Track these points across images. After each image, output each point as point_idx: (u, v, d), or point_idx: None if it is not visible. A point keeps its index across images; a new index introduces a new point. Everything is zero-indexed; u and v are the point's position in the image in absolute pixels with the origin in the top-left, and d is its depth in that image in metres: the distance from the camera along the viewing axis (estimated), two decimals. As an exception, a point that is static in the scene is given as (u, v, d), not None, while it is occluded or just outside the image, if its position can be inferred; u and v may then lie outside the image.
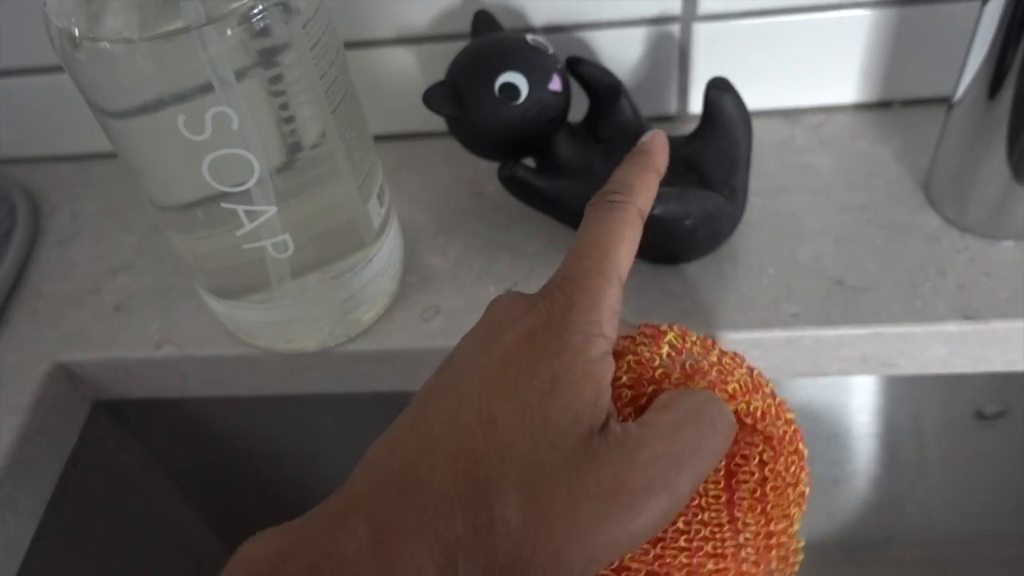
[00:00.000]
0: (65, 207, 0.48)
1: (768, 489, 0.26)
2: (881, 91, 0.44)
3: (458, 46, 0.38)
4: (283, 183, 0.32)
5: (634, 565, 0.25)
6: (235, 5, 0.28)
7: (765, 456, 0.26)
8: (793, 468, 0.26)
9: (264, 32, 0.29)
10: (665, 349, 0.26)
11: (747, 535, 0.26)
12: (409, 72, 0.44)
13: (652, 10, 0.41)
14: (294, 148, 0.32)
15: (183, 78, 0.28)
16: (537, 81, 0.36)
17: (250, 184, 0.31)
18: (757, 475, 0.26)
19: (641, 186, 0.28)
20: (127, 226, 0.46)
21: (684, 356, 0.26)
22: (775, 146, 0.43)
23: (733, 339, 0.36)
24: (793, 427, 0.26)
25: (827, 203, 0.40)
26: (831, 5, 0.41)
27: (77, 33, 0.28)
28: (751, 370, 0.27)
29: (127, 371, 0.41)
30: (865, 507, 0.50)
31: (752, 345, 0.36)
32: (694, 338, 0.27)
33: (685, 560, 0.25)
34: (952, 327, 0.35)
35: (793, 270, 0.38)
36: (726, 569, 0.25)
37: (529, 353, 0.24)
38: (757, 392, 0.26)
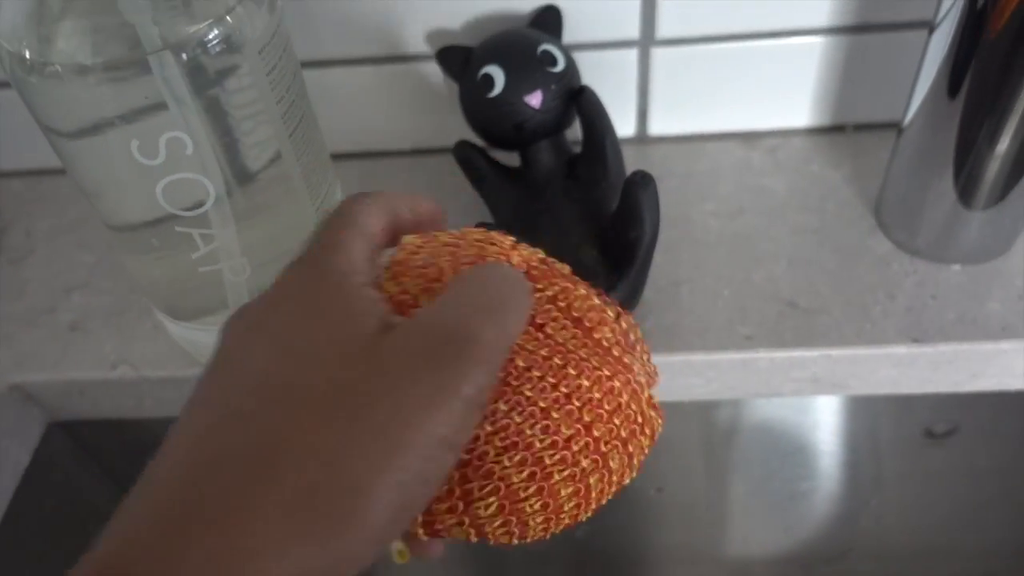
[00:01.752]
0: (19, 224, 0.47)
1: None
2: (834, 115, 0.45)
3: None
4: (239, 206, 0.32)
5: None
6: (191, 30, 0.28)
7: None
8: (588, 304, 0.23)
9: (219, 57, 0.28)
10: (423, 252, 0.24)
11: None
12: (370, 91, 0.44)
13: (610, 34, 0.42)
14: (250, 171, 0.32)
15: (136, 101, 0.28)
16: (515, 86, 0.37)
17: (205, 208, 0.31)
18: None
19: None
20: (83, 244, 0.45)
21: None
22: (732, 168, 0.44)
23: (690, 360, 0.37)
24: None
25: (781, 225, 0.41)
26: (786, 32, 0.41)
27: (28, 56, 0.28)
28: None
29: (81, 392, 0.40)
30: (822, 522, 0.51)
31: (707, 367, 0.37)
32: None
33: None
34: (900, 350, 0.36)
35: (748, 292, 0.38)
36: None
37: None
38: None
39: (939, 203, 0.38)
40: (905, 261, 0.39)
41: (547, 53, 0.37)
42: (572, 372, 0.22)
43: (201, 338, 0.37)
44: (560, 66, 0.37)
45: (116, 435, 0.45)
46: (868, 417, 0.44)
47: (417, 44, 0.42)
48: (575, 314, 0.23)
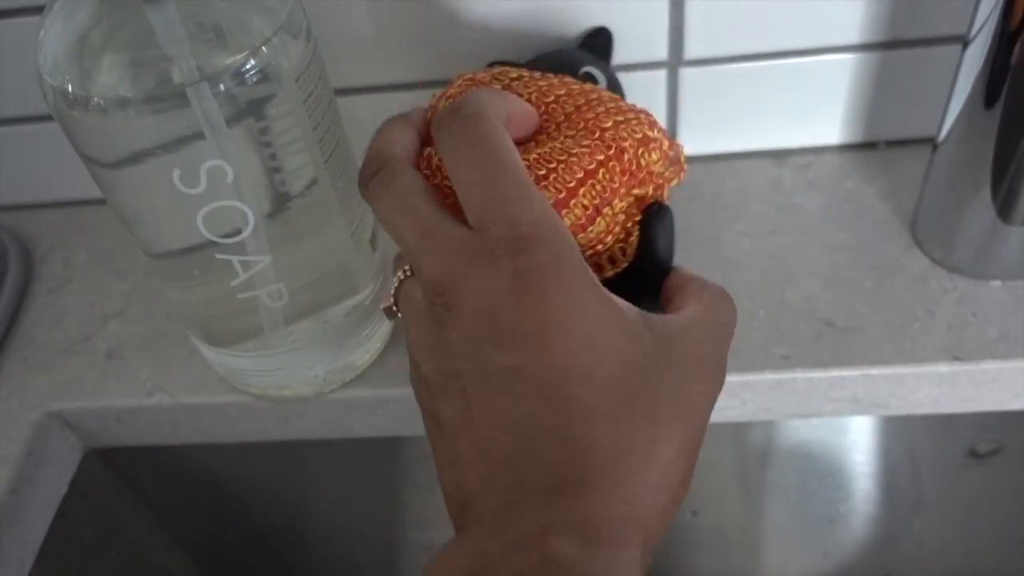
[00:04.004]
0: (57, 254, 0.48)
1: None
2: (866, 132, 0.45)
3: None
4: (276, 232, 0.32)
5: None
6: (228, 61, 0.28)
7: None
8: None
9: (256, 87, 0.29)
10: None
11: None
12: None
13: (639, 56, 0.42)
14: (287, 197, 0.32)
15: (176, 131, 0.29)
16: None
17: (244, 235, 0.31)
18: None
19: (491, 104, 0.26)
20: (119, 272, 0.46)
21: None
22: (764, 187, 0.44)
23: (725, 382, 0.36)
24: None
25: (815, 244, 0.41)
26: (815, 50, 0.41)
27: (71, 90, 0.28)
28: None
29: (118, 419, 0.41)
30: (861, 546, 0.50)
31: (743, 387, 0.36)
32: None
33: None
34: (942, 368, 0.35)
35: (783, 312, 0.38)
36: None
37: (541, 310, 0.22)
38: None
39: (977, 218, 0.37)
40: (943, 278, 0.38)
41: (589, 75, 0.37)
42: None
43: (237, 364, 0.37)
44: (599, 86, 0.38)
45: (153, 462, 0.46)
46: (907, 437, 0.44)
47: (454, 69, 0.43)
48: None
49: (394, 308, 0.27)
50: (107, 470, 0.45)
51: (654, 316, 0.24)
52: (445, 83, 0.43)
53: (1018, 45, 0.32)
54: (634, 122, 0.28)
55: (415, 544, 0.55)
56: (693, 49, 0.41)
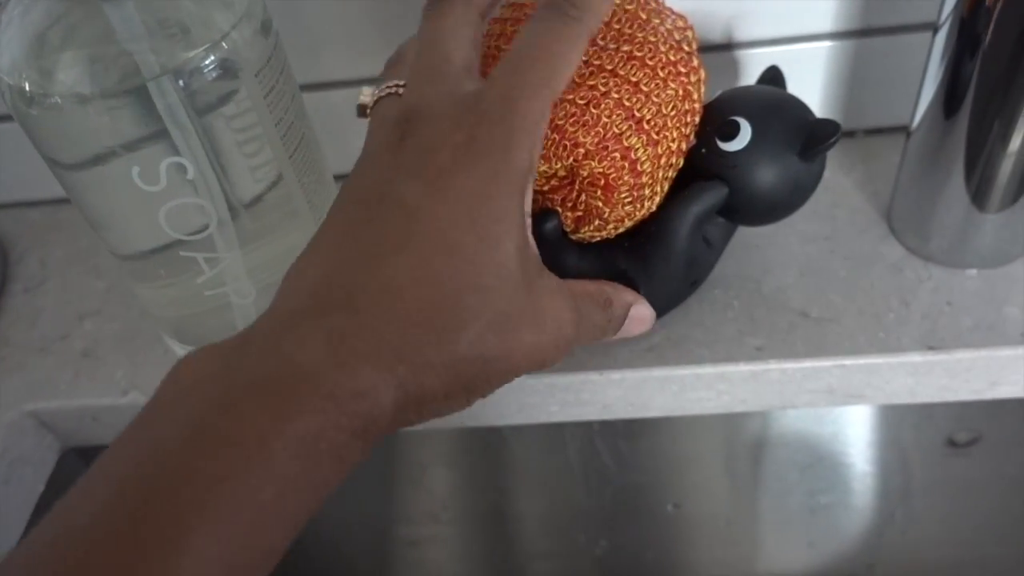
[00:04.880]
0: (34, 253, 0.47)
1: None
2: (843, 121, 0.44)
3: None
4: (242, 229, 0.32)
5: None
6: (189, 55, 0.28)
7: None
8: None
9: (216, 82, 0.29)
10: None
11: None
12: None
13: (613, 47, 0.41)
14: (251, 193, 0.32)
15: (135, 130, 0.29)
16: None
17: (208, 231, 0.31)
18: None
19: (599, 6, 0.27)
20: (95, 271, 0.45)
21: None
22: (741, 178, 0.44)
23: (699, 373, 0.36)
24: None
25: (791, 234, 0.40)
26: (790, 39, 0.41)
27: (28, 89, 0.28)
28: None
29: (93, 418, 0.40)
30: (845, 537, 0.50)
31: (717, 379, 0.36)
32: None
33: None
34: (916, 358, 0.35)
35: (757, 302, 0.38)
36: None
37: (474, 181, 0.24)
38: None
39: (952, 207, 0.37)
40: (919, 267, 0.38)
41: None
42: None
43: (210, 362, 0.37)
44: None
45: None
46: (888, 427, 0.43)
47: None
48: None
49: (368, 111, 0.29)
50: (85, 468, 0.45)
51: (542, 269, 0.26)
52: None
53: (987, 29, 0.31)
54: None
55: (402, 540, 0.55)
56: (667, 39, 0.41)
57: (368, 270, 0.23)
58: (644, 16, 0.31)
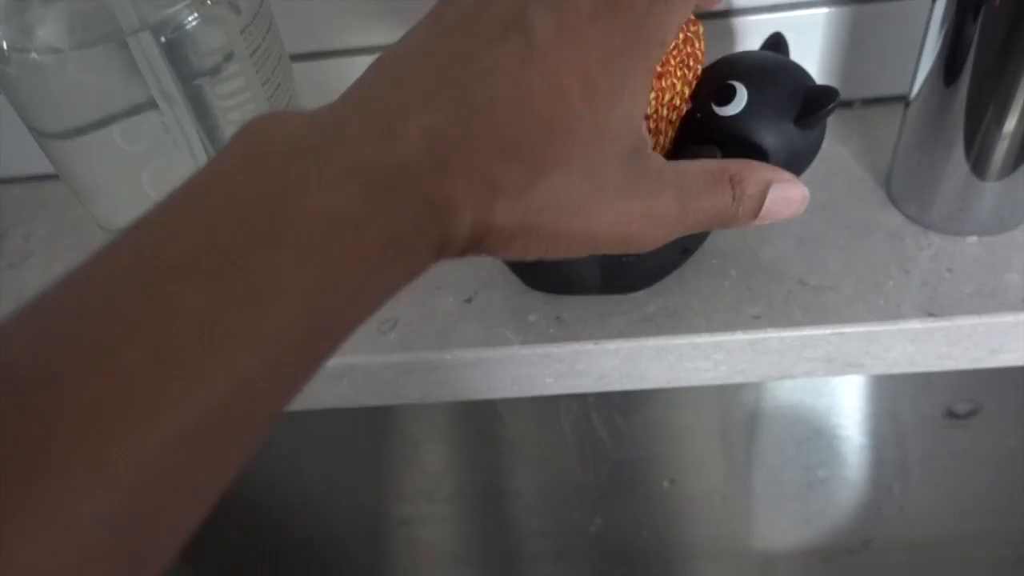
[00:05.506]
0: (18, 229, 0.47)
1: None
2: (841, 90, 0.44)
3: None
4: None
5: None
6: (170, 10, 0.27)
7: None
8: None
9: (201, 37, 0.28)
10: None
11: None
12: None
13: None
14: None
15: (118, 90, 0.28)
16: None
17: (193, 196, 0.30)
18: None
19: None
20: (80, 246, 0.45)
21: None
22: (737, 148, 0.43)
23: (696, 342, 0.36)
24: None
25: (789, 203, 0.40)
26: (787, 5, 0.40)
27: (5, 46, 0.27)
28: None
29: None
30: (842, 511, 0.49)
31: (715, 348, 0.36)
32: None
33: None
34: (916, 324, 0.35)
35: (755, 271, 0.37)
36: None
37: (611, 35, 0.23)
38: None
39: (952, 175, 0.36)
40: (919, 235, 0.38)
41: None
42: None
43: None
44: None
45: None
46: (886, 399, 0.43)
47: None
48: None
49: None
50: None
51: (650, 151, 0.25)
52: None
53: (988, -8, 0.31)
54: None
55: (394, 519, 0.54)
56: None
57: (479, 84, 0.21)
58: None
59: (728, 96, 0.32)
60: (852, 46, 0.42)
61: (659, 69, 0.31)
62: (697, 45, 0.32)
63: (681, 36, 0.31)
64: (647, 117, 0.31)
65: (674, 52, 0.31)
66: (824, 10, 0.41)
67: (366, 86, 0.23)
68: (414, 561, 0.56)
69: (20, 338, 0.17)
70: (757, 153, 0.32)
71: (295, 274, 0.18)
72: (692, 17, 0.32)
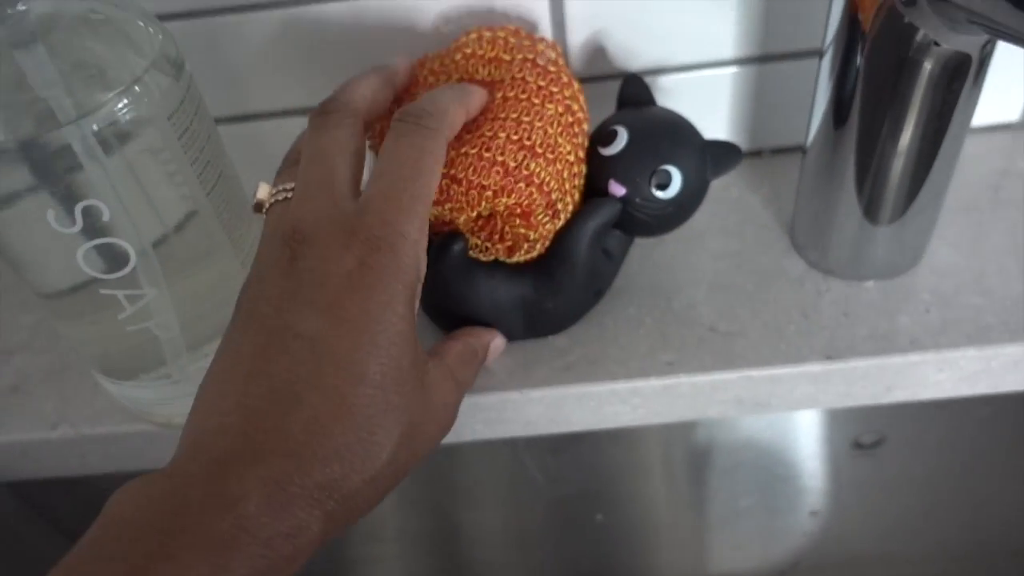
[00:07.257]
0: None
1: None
2: (750, 141, 0.47)
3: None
4: (161, 265, 0.33)
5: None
6: (104, 98, 0.29)
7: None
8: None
9: (130, 124, 0.30)
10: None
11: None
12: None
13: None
14: (169, 231, 0.33)
15: (49, 172, 0.29)
16: None
17: (127, 270, 0.32)
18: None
19: (455, 117, 0.30)
20: (23, 305, 0.46)
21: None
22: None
23: (615, 389, 0.38)
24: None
25: (702, 251, 0.42)
26: (697, 65, 0.43)
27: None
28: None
29: (23, 453, 0.41)
30: (767, 537, 0.52)
31: (632, 393, 0.38)
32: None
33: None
34: (815, 368, 0.37)
35: (669, 319, 0.40)
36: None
37: (369, 306, 0.26)
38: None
39: (846, 221, 0.39)
40: (819, 280, 0.40)
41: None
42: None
43: (139, 395, 0.38)
44: None
45: (65, 493, 0.46)
46: (798, 432, 0.46)
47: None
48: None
49: (264, 209, 0.31)
50: (19, 503, 0.45)
51: (426, 360, 0.29)
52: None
53: (862, 52, 0.33)
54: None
55: (345, 559, 0.56)
56: (574, 66, 0.43)
57: (291, 410, 0.24)
58: (508, 57, 0.34)
59: (664, 182, 0.36)
60: (757, 100, 0.45)
61: (550, 155, 0.33)
62: (575, 107, 0.35)
63: (558, 108, 0.34)
64: (550, 192, 0.34)
65: (558, 130, 0.34)
66: (732, 69, 0.43)
67: (195, 428, 0.26)
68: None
69: None
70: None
71: None
72: (565, 80, 0.34)
